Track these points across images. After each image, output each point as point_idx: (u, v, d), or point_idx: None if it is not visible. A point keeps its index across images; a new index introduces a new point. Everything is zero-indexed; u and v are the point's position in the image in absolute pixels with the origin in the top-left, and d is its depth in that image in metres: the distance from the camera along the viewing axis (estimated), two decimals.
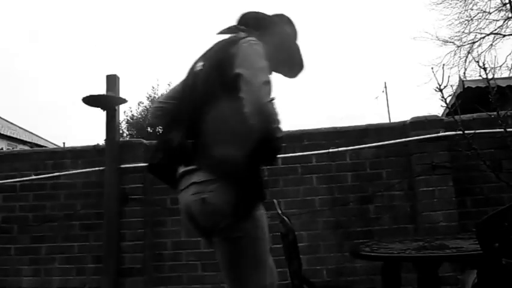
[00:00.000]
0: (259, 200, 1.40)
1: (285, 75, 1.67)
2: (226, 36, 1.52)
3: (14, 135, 20.54)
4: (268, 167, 1.47)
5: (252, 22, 1.56)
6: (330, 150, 3.24)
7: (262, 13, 1.56)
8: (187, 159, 1.38)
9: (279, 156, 1.56)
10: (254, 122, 1.22)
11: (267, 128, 1.28)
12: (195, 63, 1.52)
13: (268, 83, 1.29)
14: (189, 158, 1.37)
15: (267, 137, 1.30)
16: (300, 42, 1.63)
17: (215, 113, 1.31)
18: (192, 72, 1.50)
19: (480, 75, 2.72)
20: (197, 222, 1.38)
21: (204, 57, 1.50)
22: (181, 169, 1.42)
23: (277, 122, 1.34)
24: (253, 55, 1.33)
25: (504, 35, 11.40)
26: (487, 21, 11.56)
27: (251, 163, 1.33)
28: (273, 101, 1.30)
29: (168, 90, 1.71)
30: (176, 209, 3.44)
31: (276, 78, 1.55)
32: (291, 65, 1.63)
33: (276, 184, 3.31)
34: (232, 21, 1.59)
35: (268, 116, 1.25)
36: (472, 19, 11.66)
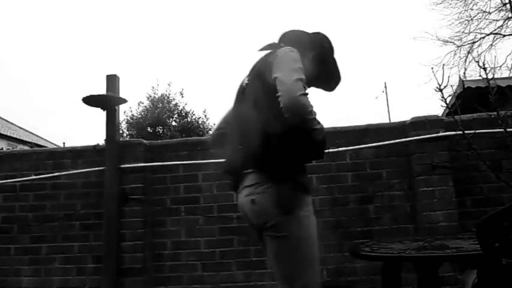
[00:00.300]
0: (302, 201, 1.47)
1: (324, 89, 1.78)
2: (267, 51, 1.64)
3: (14, 135, 20.54)
4: (317, 161, 1.55)
5: (291, 40, 1.68)
6: (330, 150, 3.24)
7: (301, 31, 1.71)
8: (242, 164, 1.53)
9: (325, 150, 1.59)
10: (288, 115, 1.34)
11: (302, 120, 1.37)
12: (242, 80, 1.68)
13: (301, 80, 1.37)
14: (244, 163, 1.52)
15: (305, 129, 1.40)
16: (337, 56, 1.74)
17: (261, 118, 1.46)
18: (241, 89, 1.67)
19: (480, 75, 2.72)
20: (250, 221, 1.53)
21: (249, 73, 1.65)
22: (240, 173, 1.57)
23: (313, 114, 1.39)
24: (287, 59, 1.45)
25: (504, 35, 11.40)
26: (487, 21, 11.57)
27: (296, 162, 1.47)
28: (307, 95, 1.37)
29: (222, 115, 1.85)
30: (176, 209, 3.46)
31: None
32: (329, 79, 1.74)
33: None
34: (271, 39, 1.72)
35: (301, 108, 1.34)
36: (472, 19, 11.67)
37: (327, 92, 1.77)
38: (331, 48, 1.74)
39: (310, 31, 1.76)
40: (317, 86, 1.76)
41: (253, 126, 1.48)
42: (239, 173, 1.54)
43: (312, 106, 1.38)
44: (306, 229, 1.46)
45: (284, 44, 1.64)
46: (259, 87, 1.52)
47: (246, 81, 1.65)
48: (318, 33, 1.75)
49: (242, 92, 1.65)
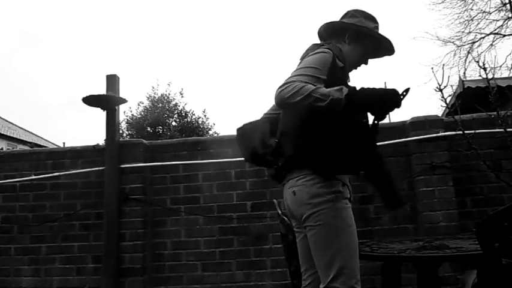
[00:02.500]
0: (340, 193, 1.54)
1: (384, 55, 1.83)
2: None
3: (14, 135, 20.54)
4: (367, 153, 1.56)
5: (324, 34, 1.78)
6: None
7: (329, 22, 1.76)
8: (285, 159, 1.62)
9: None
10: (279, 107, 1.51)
11: (288, 105, 1.46)
12: None
13: (295, 75, 1.46)
14: (287, 157, 1.62)
15: (310, 109, 1.44)
16: (377, 21, 1.77)
17: (300, 117, 1.56)
18: None
19: (480, 75, 2.72)
20: (292, 213, 1.63)
21: None
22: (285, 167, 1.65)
23: (295, 96, 1.40)
24: (306, 61, 1.54)
25: (504, 35, 11.39)
26: (487, 21, 11.55)
27: (334, 157, 1.52)
28: (289, 84, 1.42)
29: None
30: (176, 209, 3.46)
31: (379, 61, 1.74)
32: (381, 44, 1.75)
33: (276, 184, 3.30)
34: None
35: (279, 98, 1.43)
36: (472, 19, 11.66)
37: (391, 56, 1.82)
38: (366, 17, 1.75)
39: (340, 17, 1.80)
40: (378, 56, 1.83)
41: (293, 123, 1.60)
42: (284, 167, 1.63)
43: (296, 89, 1.40)
44: (343, 220, 1.51)
45: (321, 40, 1.78)
46: None
47: None
48: (346, 13, 1.79)
49: None
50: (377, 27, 1.76)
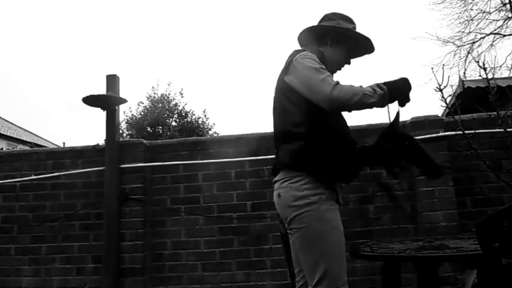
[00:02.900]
0: (325, 195, 1.54)
1: (364, 53, 1.87)
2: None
3: (14, 135, 20.54)
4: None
5: (305, 40, 1.83)
6: None
7: (310, 27, 1.80)
8: (275, 162, 1.71)
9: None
10: (335, 112, 1.57)
11: (348, 108, 1.52)
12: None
13: (326, 76, 1.50)
14: (276, 161, 1.70)
15: (364, 108, 1.50)
16: (354, 21, 1.82)
17: (288, 121, 1.63)
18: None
19: (480, 75, 2.72)
20: (279, 215, 1.64)
21: (276, 82, 1.77)
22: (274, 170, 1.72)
23: (355, 96, 1.46)
24: (303, 68, 1.57)
25: (504, 35, 11.38)
26: (487, 21, 11.54)
27: (322, 160, 1.55)
28: (338, 84, 1.48)
29: None
30: (176, 209, 3.46)
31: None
32: (360, 44, 1.80)
33: None
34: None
35: (339, 101, 1.47)
36: (472, 19, 11.65)
37: (370, 54, 1.87)
38: (340, 18, 1.79)
39: (318, 20, 1.85)
40: (358, 56, 1.87)
41: (281, 128, 1.67)
42: (274, 170, 1.69)
43: (350, 91, 1.46)
44: (328, 222, 1.51)
45: (302, 46, 1.82)
46: (281, 93, 1.67)
47: (274, 90, 1.78)
48: (324, 16, 1.83)
49: (273, 101, 1.80)
50: (355, 28, 1.81)
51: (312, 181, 1.52)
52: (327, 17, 1.82)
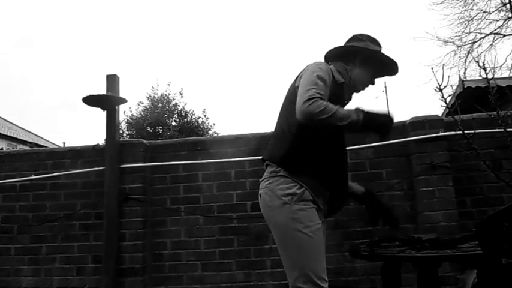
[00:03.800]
0: (298, 195, 1.58)
1: (388, 75, 1.92)
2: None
3: (14, 135, 20.54)
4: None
5: (332, 57, 1.87)
6: None
7: (340, 46, 1.86)
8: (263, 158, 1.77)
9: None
10: (302, 122, 1.53)
11: (314, 122, 1.51)
12: None
13: (312, 88, 1.54)
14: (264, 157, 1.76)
15: (330, 127, 1.56)
16: (380, 44, 1.88)
17: (283, 120, 1.71)
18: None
19: (480, 75, 2.72)
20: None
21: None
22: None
23: (324, 113, 1.49)
24: (308, 72, 1.62)
25: (504, 35, 11.38)
26: (487, 21, 11.55)
27: (303, 160, 1.60)
28: (316, 99, 1.51)
29: None
30: (176, 209, 3.46)
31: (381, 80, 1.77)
32: (385, 66, 1.86)
33: None
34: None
35: (308, 114, 1.49)
36: (472, 19, 11.65)
37: (393, 76, 1.93)
38: (368, 40, 1.85)
39: (346, 40, 1.91)
40: (382, 76, 1.92)
41: (277, 126, 1.74)
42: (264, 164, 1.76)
43: (322, 107, 1.48)
44: (299, 221, 1.54)
45: (327, 61, 1.85)
46: (288, 94, 1.75)
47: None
48: (353, 37, 1.89)
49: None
50: (381, 50, 1.86)
51: (286, 182, 1.58)
52: (355, 38, 1.87)
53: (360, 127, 1.55)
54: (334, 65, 1.77)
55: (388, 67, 1.87)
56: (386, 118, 1.62)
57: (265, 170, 1.73)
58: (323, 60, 1.87)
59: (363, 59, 1.80)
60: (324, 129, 1.59)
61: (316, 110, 1.48)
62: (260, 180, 1.71)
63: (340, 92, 1.73)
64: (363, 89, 1.86)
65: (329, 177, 1.66)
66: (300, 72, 1.71)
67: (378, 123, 1.59)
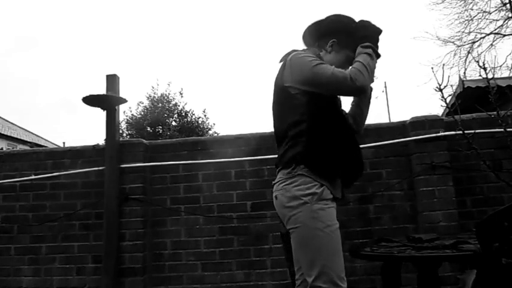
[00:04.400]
0: (317, 194, 1.57)
1: (374, 41, 1.79)
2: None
3: (14, 135, 20.54)
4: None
5: (308, 38, 1.86)
6: None
7: (312, 25, 1.83)
8: (276, 163, 1.76)
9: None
10: (364, 97, 1.80)
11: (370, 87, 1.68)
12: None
13: (329, 67, 1.58)
14: (276, 162, 1.75)
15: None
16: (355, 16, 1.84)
17: (284, 122, 1.69)
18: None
19: (480, 75, 2.72)
20: (279, 217, 1.69)
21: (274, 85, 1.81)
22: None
23: (367, 78, 1.59)
24: (303, 65, 1.62)
25: (504, 35, 11.37)
26: (487, 21, 11.54)
27: (315, 161, 1.59)
28: (348, 69, 1.61)
29: None
30: (176, 209, 3.46)
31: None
32: (369, 32, 1.76)
33: None
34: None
35: (362, 87, 1.57)
36: (472, 19, 11.64)
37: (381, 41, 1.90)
38: (346, 17, 1.81)
39: (320, 18, 1.84)
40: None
41: (280, 128, 1.72)
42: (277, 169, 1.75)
43: (361, 75, 1.55)
44: (321, 220, 1.54)
45: (306, 45, 1.85)
46: (278, 95, 1.73)
47: (273, 91, 1.81)
48: (327, 17, 1.84)
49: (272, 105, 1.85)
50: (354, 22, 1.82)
51: (305, 182, 1.57)
52: (329, 18, 1.82)
53: (376, 53, 1.65)
54: (308, 51, 1.74)
55: (371, 32, 1.75)
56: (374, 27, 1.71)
57: (277, 173, 1.71)
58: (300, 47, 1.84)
59: (333, 45, 1.77)
60: (329, 117, 1.64)
61: (366, 79, 1.56)
62: (273, 182, 1.70)
63: None
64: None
65: (348, 163, 1.68)
66: (283, 65, 1.70)
67: (375, 29, 1.69)
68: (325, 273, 1.50)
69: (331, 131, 1.63)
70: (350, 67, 1.62)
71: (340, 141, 1.65)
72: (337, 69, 1.57)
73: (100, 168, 3.43)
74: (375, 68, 1.63)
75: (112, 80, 3.45)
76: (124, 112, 16.91)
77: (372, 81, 1.63)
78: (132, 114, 16.78)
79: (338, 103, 1.77)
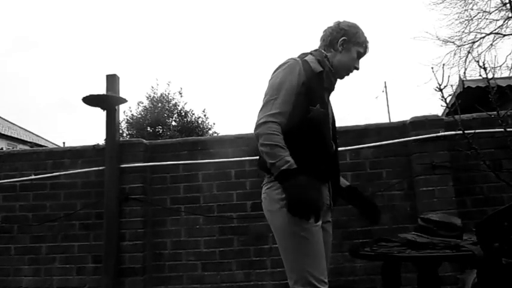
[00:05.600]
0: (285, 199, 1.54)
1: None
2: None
3: (14, 135, 20.54)
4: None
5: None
6: None
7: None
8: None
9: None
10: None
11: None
12: None
13: (264, 107, 1.59)
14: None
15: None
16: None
17: None
18: None
19: (480, 75, 2.72)
20: None
21: None
22: None
23: (263, 139, 1.54)
24: (267, 88, 1.66)
25: (504, 35, 11.37)
26: (487, 21, 11.54)
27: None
28: (264, 123, 1.55)
29: None
30: (176, 209, 3.46)
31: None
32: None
33: None
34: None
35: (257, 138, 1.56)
36: (472, 19, 11.64)
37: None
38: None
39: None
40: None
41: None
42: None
43: (264, 134, 1.53)
44: (297, 224, 1.52)
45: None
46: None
47: None
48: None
49: None
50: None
51: (279, 186, 1.56)
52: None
53: (276, 177, 1.51)
54: (313, 54, 1.75)
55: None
56: (303, 198, 1.44)
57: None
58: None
59: (344, 44, 1.77)
60: (298, 125, 1.59)
61: (261, 137, 1.53)
62: (261, 184, 1.73)
63: (319, 82, 1.69)
64: (347, 74, 1.82)
65: (322, 166, 1.64)
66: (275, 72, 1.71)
67: (291, 194, 1.45)
68: (304, 277, 1.51)
69: (297, 138, 1.58)
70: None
71: (312, 144, 1.62)
72: (275, 102, 1.57)
73: (100, 168, 3.43)
74: (268, 157, 1.52)
75: (112, 80, 3.45)
76: (124, 112, 16.92)
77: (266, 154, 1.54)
78: (132, 114, 16.78)
79: (316, 107, 1.66)
